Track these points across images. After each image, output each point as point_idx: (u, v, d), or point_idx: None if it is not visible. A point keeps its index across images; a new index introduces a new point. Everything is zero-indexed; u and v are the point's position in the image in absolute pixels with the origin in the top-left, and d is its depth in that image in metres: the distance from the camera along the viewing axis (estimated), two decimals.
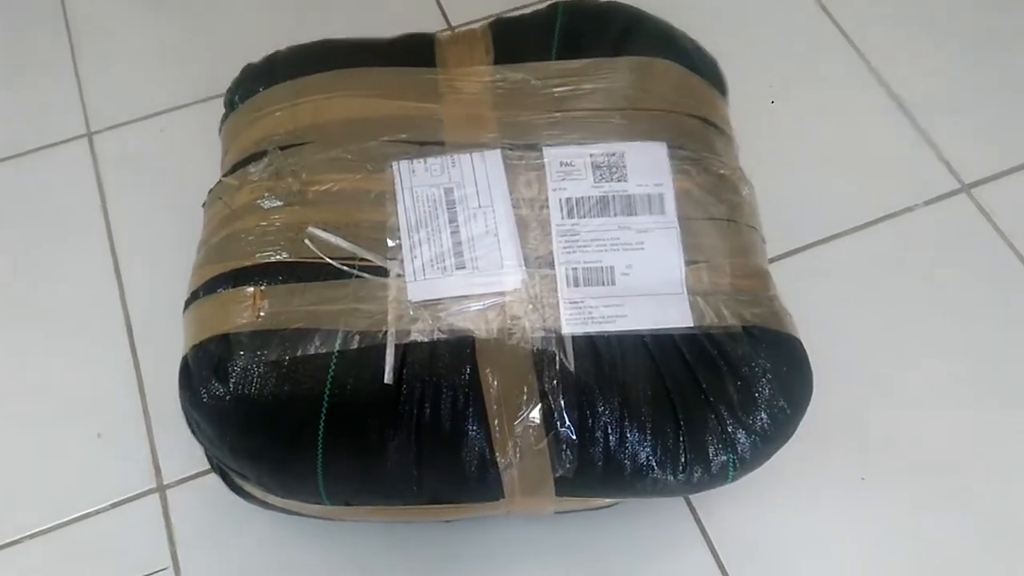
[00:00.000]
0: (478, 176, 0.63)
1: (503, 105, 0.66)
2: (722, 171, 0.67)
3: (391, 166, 0.64)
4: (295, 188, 0.63)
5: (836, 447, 0.74)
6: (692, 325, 0.62)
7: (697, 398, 0.61)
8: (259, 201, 0.64)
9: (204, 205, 0.70)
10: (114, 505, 0.72)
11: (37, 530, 0.71)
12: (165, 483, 0.73)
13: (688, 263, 0.63)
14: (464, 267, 0.61)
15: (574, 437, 0.60)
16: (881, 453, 0.75)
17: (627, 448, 0.60)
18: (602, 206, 0.64)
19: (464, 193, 0.63)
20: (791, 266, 0.82)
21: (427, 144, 0.65)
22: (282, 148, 0.65)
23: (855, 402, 0.76)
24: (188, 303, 0.65)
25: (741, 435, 0.61)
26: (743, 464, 0.62)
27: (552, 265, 0.62)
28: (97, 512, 0.72)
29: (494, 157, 0.64)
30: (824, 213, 0.86)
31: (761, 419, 0.62)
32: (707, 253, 0.64)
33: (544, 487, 0.61)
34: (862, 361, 0.78)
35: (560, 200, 0.64)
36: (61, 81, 0.95)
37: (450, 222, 0.62)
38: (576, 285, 0.62)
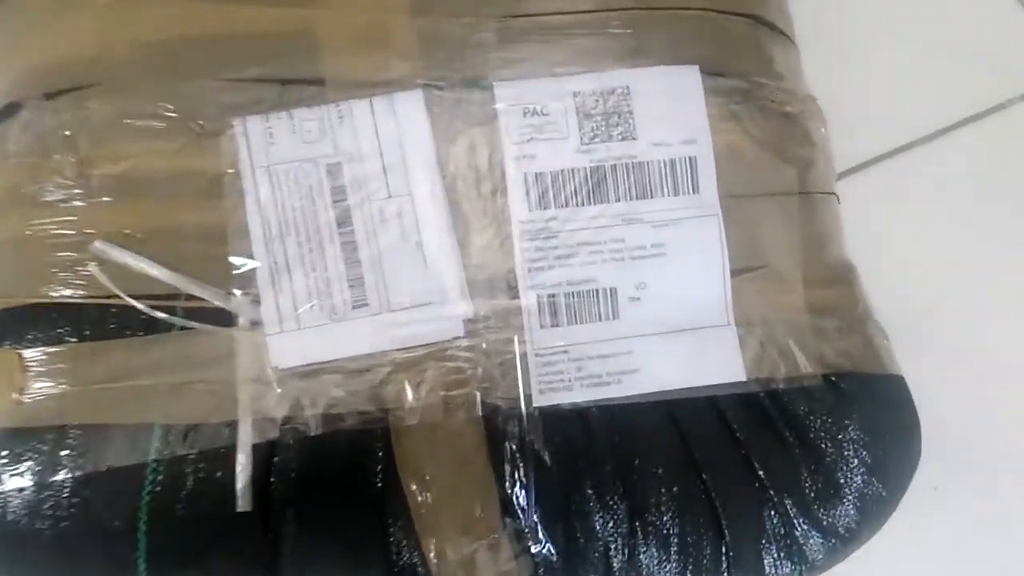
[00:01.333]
0: (384, 139, 0.37)
1: (425, 8, 0.38)
2: (788, 108, 0.41)
3: (232, 127, 0.37)
4: (68, 171, 0.37)
5: None
6: (745, 379, 0.38)
7: (749, 492, 0.38)
8: (20, 192, 0.37)
9: None
10: None
11: None
12: None
13: (738, 273, 0.39)
14: (365, 304, 0.36)
15: (555, 558, 0.37)
16: (959, 454, 0.52)
17: (640, 571, 0.38)
18: (596, 184, 0.38)
19: (361, 172, 0.37)
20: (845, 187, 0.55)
21: (294, 83, 0.38)
22: (48, 96, 0.38)
23: (930, 381, 0.47)
24: None
25: (815, 539, 0.39)
26: (815, 573, 0.40)
27: (514, 290, 0.37)
28: None
29: (410, 103, 0.37)
30: (890, 118, 0.60)
31: (846, 513, 0.39)
32: (767, 253, 0.39)
33: None
34: (942, 323, 0.52)
35: (526, 177, 0.38)
36: None
37: (339, 226, 0.36)
38: (555, 323, 0.37)
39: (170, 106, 0.37)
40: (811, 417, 0.39)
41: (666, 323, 0.38)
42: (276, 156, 0.36)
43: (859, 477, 0.39)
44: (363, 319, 0.36)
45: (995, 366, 0.52)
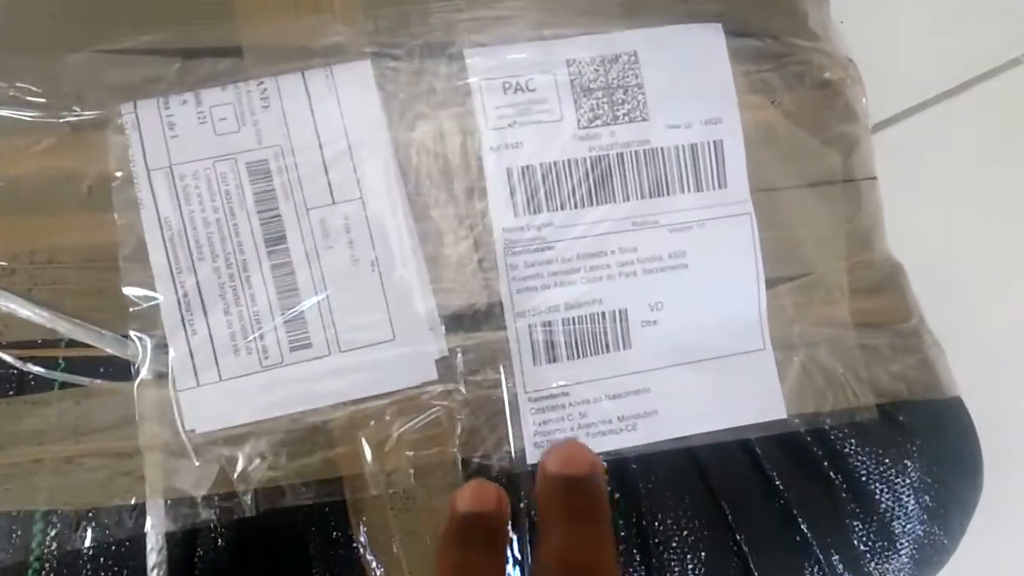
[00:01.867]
0: (323, 127, 0.28)
1: None
2: (827, 74, 0.33)
3: (120, 115, 0.28)
4: None
5: None
6: (786, 415, 0.31)
7: (790, 549, 0.31)
8: None
9: None
10: None
11: None
12: None
13: (774, 283, 0.31)
14: (307, 344, 0.28)
15: None
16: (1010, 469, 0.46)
17: None
18: (599, 180, 0.30)
19: (295, 171, 0.28)
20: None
21: (200, 54, 0.28)
22: None
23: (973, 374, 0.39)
24: None
25: None
26: None
27: (499, 319, 0.29)
28: None
29: (356, 77, 0.29)
30: (897, 79, 0.52)
31: (901, 567, 0.33)
32: (809, 256, 0.32)
33: None
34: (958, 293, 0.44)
35: (510, 173, 0.29)
36: None
37: (269, 244, 0.28)
38: (551, 359, 0.29)
39: (35, 88, 0.28)
40: (863, 458, 0.32)
41: (689, 351, 0.30)
42: (180, 153, 0.27)
43: (919, 526, 0.32)
44: (305, 364, 0.28)
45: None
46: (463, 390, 0.29)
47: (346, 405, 0.28)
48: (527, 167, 0.29)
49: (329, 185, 0.28)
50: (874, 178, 0.36)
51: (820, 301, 0.32)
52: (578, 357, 0.29)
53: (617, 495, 0.30)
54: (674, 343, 0.30)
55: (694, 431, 0.30)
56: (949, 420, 0.33)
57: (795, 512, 0.31)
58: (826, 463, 0.31)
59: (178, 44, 0.28)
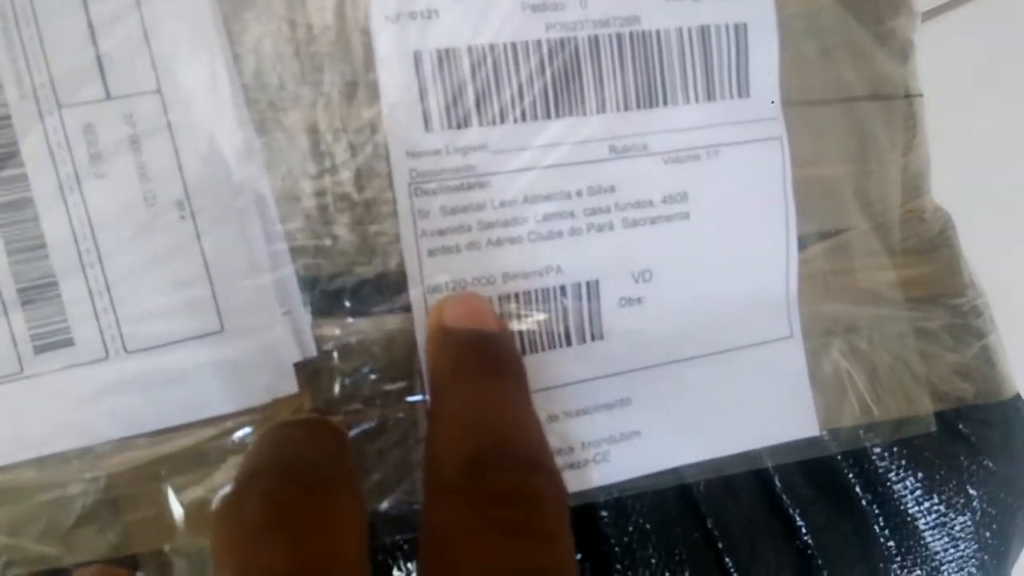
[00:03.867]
0: None
1: None
2: None
3: None
4: None
5: None
6: (818, 432, 0.21)
7: None
8: None
9: None
10: None
11: None
12: None
13: (808, 242, 0.21)
14: (67, 343, 0.16)
15: None
16: None
17: None
18: (559, 78, 0.19)
19: (33, 35, 0.16)
20: None
21: None
22: None
23: None
24: None
25: None
26: None
27: (396, 297, 0.18)
28: None
29: None
30: None
31: None
32: (853, 203, 0.22)
33: None
34: None
35: (418, 59, 0.18)
36: None
37: None
38: None
39: None
40: (915, 489, 0.23)
41: (687, 343, 0.20)
42: None
43: (975, 571, 0.24)
44: (63, 374, 0.16)
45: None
46: (340, 410, 0.18)
47: (137, 441, 0.17)
48: (446, 51, 0.18)
49: (100, 64, 0.16)
50: (922, 96, 0.26)
51: (864, 267, 0.22)
52: (524, 355, 0.19)
53: (579, 555, 0.20)
54: (666, 331, 0.20)
55: (692, 459, 0.20)
56: (1016, 428, 0.25)
57: (818, 561, 0.22)
58: (865, 498, 0.22)
59: None
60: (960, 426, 0.23)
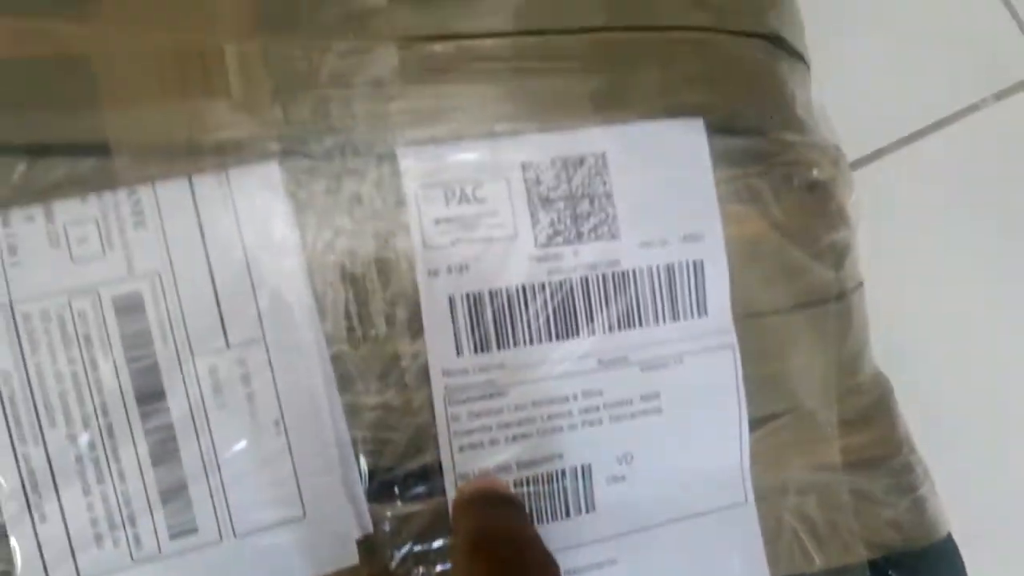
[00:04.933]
0: (214, 248, 0.22)
1: (277, 22, 0.23)
2: (816, 172, 0.29)
3: None
4: None
5: None
6: None
7: None
8: None
9: None
10: None
11: None
12: None
13: (758, 424, 0.27)
14: (192, 530, 0.22)
15: None
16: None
17: None
18: (560, 309, 0.25)
19: (175, 306, 0.22)
20: None
21: (51, 152, 0.22)
22: None
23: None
24: None
25: None
26: None
27: (437, 483, 0.24)
28: None
29: (258, 182, 0.23)
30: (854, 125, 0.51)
31: None
32: (796, 390, 0.28)
33: None
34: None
35: (452, 302, 0.24)
36: None
37: (141, 402, 0.22)
38: None
39: None
40: None
41: (661, 511, 0.25)
42: (23, 287, 0.21)
43: None
44: (190, 555, 0.22)
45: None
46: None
47: None
48: (474, 295, 0.24)
49: (222, 323, 0.22)
50: (862, 283, 0.32)
51: (808, 440, 0.28)
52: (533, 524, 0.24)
53: None
54: (644, 502, 0.25)
55: None
56: (943, 567, 0.30)
57: None
58: None
59: (22, 138, 0.22)
60: (891, 572, 0.28)
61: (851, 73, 0.52)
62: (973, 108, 0.54)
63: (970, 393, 0.46)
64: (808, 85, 0.31)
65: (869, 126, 0.52)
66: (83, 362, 0.21)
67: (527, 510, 0.24)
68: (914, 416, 0.32)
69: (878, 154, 0.52)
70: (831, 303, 0.28)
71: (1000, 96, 0.55)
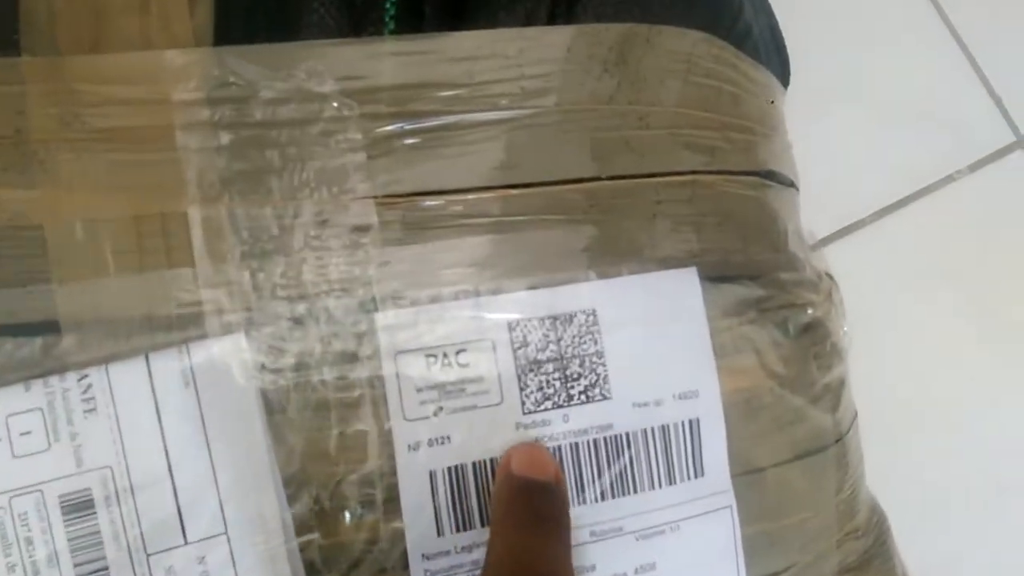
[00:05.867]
0: (173, 433, 0.20)
1: (243, 183, 0.22)
2: (810, 310, 0.28)
3: None
4: None
5: None
6: None
7: None
8: None
9: None
10: None
11: None
12: None
13: None
14: None
15: None
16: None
17: None
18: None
19: (128, 502, 0.20)
20: None
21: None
22: None
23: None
24: None
25: None
26: None
27: None
28: None
29: (224, 357, 0.21)
30: (829, 198, 0.51)
31: None
32: (794, 546, 0.26)
33: None
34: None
35: (433, 478, 0.22)
36: None
37: None
38: None
39: None
40: None
41: None
42: None
43: None
44: None
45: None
46: None
47: None
48: (455, 469, 0.22)
49: (180, 517, 0.20)
50: (856, 415, 0.30)
51: None
52: None
53: None
54: None
55: None
56: None
57: None
58: None
59: None
60: None
61: (827, 145, 0.53)
62: (949, 179, 0.55)
63: (947, 471, 0.46)
64: (797, 210, 0.31)
65: (846, 199, 0.52)
66: (24, 568, 0.19)
67: None
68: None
69: (857, 225, 0.52)
70: (830, 448, 0.27)
71: (974, 167, 0.56)
